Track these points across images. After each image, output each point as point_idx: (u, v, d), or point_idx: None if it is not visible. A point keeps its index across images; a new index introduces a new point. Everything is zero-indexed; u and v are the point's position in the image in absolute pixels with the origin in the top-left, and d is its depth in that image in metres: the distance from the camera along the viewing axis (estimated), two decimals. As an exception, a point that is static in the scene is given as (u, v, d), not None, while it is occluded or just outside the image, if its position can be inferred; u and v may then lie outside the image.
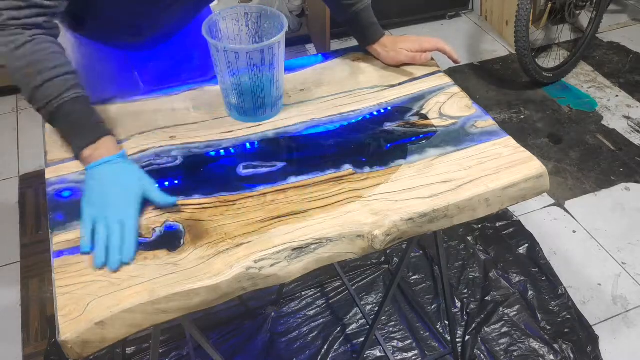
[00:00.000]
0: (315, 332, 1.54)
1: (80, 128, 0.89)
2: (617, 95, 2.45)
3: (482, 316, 1.58)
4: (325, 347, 1.51)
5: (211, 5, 2.04)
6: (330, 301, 1.62)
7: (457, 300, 1.62)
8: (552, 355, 1.49)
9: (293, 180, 0.94)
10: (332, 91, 1.14)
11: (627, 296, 1.64)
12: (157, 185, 0.88)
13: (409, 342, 1.53)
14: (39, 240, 1.80)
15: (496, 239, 1.79)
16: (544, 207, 1.92)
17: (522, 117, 2.32)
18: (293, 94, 1.13)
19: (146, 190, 0.86)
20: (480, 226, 1.82)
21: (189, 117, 1.07)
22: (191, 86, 1.15)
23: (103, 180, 0.85)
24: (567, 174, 2.06)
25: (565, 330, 1.54)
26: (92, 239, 0.81)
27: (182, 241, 0.83)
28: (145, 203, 0.86)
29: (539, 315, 1.58)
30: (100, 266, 0.79)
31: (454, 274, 1.69)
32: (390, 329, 1.55)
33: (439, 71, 1.20)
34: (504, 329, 1.55)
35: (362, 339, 1.52)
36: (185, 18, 1.14)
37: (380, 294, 1.63)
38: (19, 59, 0.84)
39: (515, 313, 1.58)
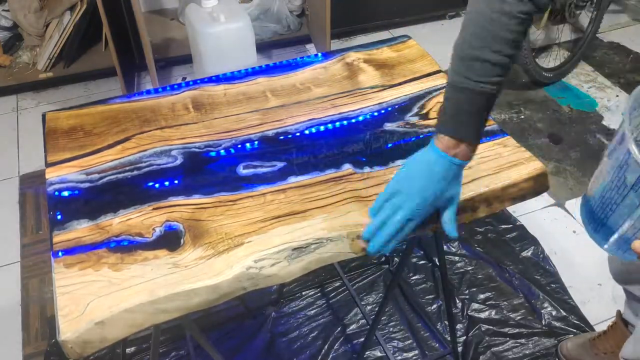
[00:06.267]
0: (316, 332, 1.54)
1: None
2: (617, 95, 2.45)
3: (483, 316, 1.58)
4: (326, 347, 1.51)
5: (208, 5, 2.03)
6: (331, 301, 1.62)
7: (457, 301, 1.61)
8: (553, 356, 1.49)
9: (293, 180, 0.94)
10: (332, 91, 1.14)
11: (628, 296, 1.64)
12: (455, 209, 0.85)
13: (409, 342, 1.52)
14: (39, 240, 1.80)
15: (498, 240, 1.79)
16: (544, 207, 1.92)
17: (522, 117, 2.32)
18: (293, 94, 1.13)
19: (448, 209, 0.84)
20: (483, 229, 1.82)
21: (190, 117, 1.07)
22: (191, 86, 1.15)
23: (434, 177, 0.81)
24: (567, 174, 2.06)
25: (567, 329, 1.54)
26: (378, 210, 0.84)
27: (182, 241, 0.83)
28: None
29: (539, 315, 1.58)
30: (366, 238, 0.83)
31: (455, 274, 1.69)
32: (391, 329, 1.55)
33: (439, 71, 1.20)
34: (505, 329, 1.55)
35: (362, 339, 1.51)
36: None
37: (381, 294, 1.63)
38: None
39: (516, 313, 1.58)
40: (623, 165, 0.65)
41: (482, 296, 1.62)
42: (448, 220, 0.84)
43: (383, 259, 1.73)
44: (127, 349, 1.47)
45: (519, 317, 1.57)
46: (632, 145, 0.63)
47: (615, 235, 0.68)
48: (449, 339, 1.50)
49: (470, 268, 1.70)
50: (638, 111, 0.76)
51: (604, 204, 0.69)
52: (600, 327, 1.56)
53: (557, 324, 1.56)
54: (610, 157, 0.70)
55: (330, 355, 1.49)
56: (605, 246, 0.70)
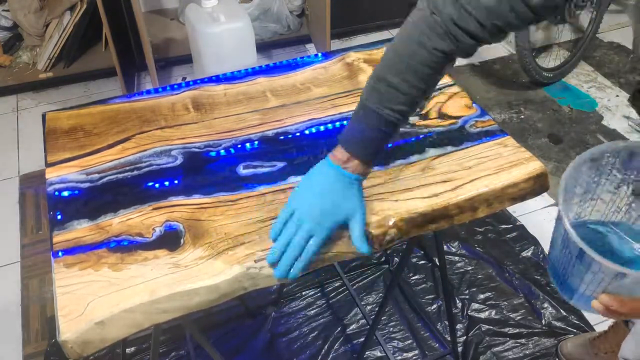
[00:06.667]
0: (316, 332, 1.54)
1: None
2: (617, 95, 2.45)
3: (483, 316, 1.58)
4: (326, 347, 1.51)
5: (208, 5, 2.03)
6: (331, 301, 1.62)
7: (457, 301, 1.61)
8: (553, 356, 1.49)
9: (293, 180, 0.94)
10: (332, 91, 1.14)
11: (628, 296, 1.64)
12: (363, 225, 0.81)
13: (409, 342, 1.52)
14: (39, 240, 1.80)
15: (498, 240, 1.79)
16: (544, 207, 1.92)
17: (522, 117, 2.32)
18: (293, 94, 1.13)
19: (353, 221, 0.80)
20: (483, 229, 1.82)
21: (190, 117, 1.07)
22: (191, 86, 1.15)
23: (327, 186, 0.80)
24: (567, 174, 2.05)
25: (567, 329, 1.54)
26: (280, 232, 0.80)
27: (182, 241, 0.83)
28: (340, 229, 0.82)
29: (539, 315, 1.58)
30: (271, 263, 0.79)
31: (455, 274, 1.69)
32: (391, 329, 1.55)
33: (439, 71, 1.20)
34: (505, 329, 1.55)
35: (362, 339, 1.52)
36: None
37: (381, 294, 1.63)
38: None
39: (516, 313, 1.58)
40: (565, 239, 0.70)
41: (482, 296, 1.62)
42: (356, 237, 0.80)
43: (383, 258, 1.73)
44: (127, 349, 1.47)
45: (519, 317, 1.57)
46: (567, 226, 0.67)
47: (577, 295, 0.73)
48: (449, 339, 1.50)
49: (470, 268, 1.70)
50: (576, 187, 0.81)
51: (561, 267, 0.74)
52: (600, 327, 1.55)
53: (557, 324, 1.56)
54: (557, 227, 0.74)
55: (330, 355, 1.49)
56: (572, 301, 0.74)
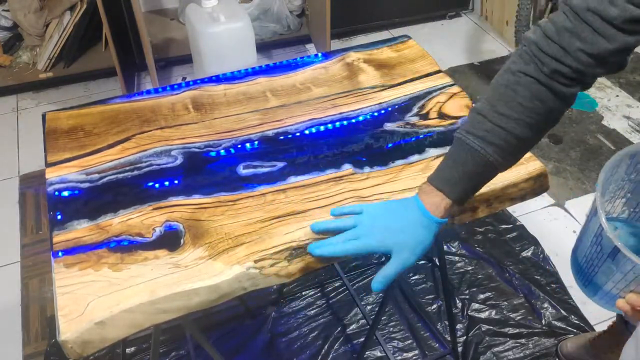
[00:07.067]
0: (316, 332, 1.54)
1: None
2: (617, 95, 2.45)
3: (483, 316, 1.58)
4: (326, 347, 1.51)
5: (208, 5, 2.04)
6: (331, 301, 1.62)
7: (457, 301, 1.61)
8: (553, 356, 1.49)
9: (293, 180, 0.94)
10: (332, 91, 1.14)
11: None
12: (400, 270, 0.78)
13: (409, 342, 1.52)
14: (39, 240, 1.80)
15: (498, 240, 1.79)
16: (544, 207, 1.92)
17: (522, 117, 2.32)
18: (293, 94, 1.13)
19: (396, 261, 0.77)
20: (483, 229, 1.82)
21: (190, 117, 1.07)
22: (191, 86, 1.15)
23: (399, 218, 0.79)
24: (567, 174, 2.06)
25: (567, 329, 1.54)
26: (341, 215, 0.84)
27: (182, 241, 0.83)
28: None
29: (539, 315, 1.58)
30: (311, 229, 0.83)
31: (455, 274, 1.69)
32: (391, 329, 1.55)
33: (439, 71, 1.20)
34: (505, 329, 1.55)
35: (362, 339, 1.52)
36: None
37: (381, 294, 1.63)
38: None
39: (516, 313, 1.58)
40: (598, 236, 0.69)
41: (482, 296, 1.62)
42: (384, 273, 0.77)
43: (383, 258, 1.73)
44: (127, 349, 1.47)
45: (519, 317, 1.57)
46: (603, 221, 0.67)
47: (602, 292, 0.73)
48: (449, 339, 1.50)
49: (470, 268, 1.70)
50: (610, 183, 0.80)
51: (588, 264, 0.74)
52: (600, 327, 1.56)
53: (557, 324, 1.56)
54: (589, 223, 0.74)
55: (330, 355, 1.49)
56: (595, 298, 0.74)
